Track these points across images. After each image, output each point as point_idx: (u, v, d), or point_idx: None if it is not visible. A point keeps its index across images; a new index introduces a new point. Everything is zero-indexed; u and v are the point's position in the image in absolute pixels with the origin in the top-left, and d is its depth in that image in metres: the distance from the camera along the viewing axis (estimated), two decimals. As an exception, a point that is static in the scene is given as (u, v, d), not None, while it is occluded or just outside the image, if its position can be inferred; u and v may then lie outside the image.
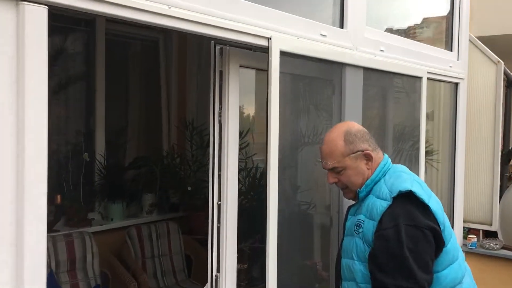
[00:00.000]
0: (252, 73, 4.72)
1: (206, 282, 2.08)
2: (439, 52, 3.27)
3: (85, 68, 4.55)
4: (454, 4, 3.46)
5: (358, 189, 1.84)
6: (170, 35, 5.06)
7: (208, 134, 4.62)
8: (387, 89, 2.74)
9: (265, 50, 1.88)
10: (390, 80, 2.73)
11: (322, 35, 2.15)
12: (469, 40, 3.48)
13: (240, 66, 1.96)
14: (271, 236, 1.91)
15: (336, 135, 1.86)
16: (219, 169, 1.99)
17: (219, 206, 2.02)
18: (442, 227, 1.71)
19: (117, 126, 4.84)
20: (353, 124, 1.94)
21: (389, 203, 1.70)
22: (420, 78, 2.94)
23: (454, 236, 1.81)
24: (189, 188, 4.45)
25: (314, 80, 2.30)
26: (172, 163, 4.81)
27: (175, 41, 5.09)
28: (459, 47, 3.47)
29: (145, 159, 4.83)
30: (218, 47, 1.92)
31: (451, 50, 3.46)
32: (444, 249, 1.72)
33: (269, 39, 1.87)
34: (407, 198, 1.70)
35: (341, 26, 2.33)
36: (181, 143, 5.04)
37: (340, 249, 1.94)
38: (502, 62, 3.34)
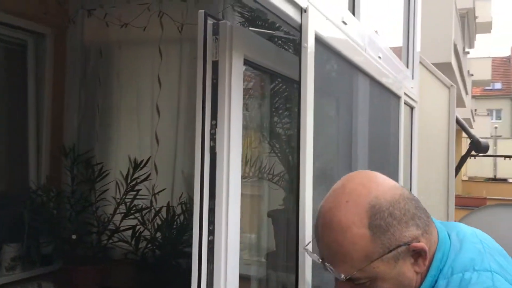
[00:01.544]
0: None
1: None
2: (406, 70, 2.81)
3: None
4: (409, 27, 3.07)
5: None
6: (43, 37, 3.95)
7: (95, 164, 3.76)
8: (380, 105, 2.14)
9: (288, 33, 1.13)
10: (382, 95, 2.13)
11: (343, 22, 1.45)
12: (422, 64, 3.10)
13: (245, 59, 1.17)
14: None
15: (351, 216, 1.00)
16: (211, 233, 1.15)
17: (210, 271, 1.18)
18: None
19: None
20: (383, 187, 1.05)
21: None
22: (399, 97, 2.41)
23: None
24: (73, 237, 3.36)
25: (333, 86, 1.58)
26: (46, 201, 3.67)
27: (50, 44, 3.99)
28: (413, 66, 3.07)
29: (6, 197, 3.62)
30: (210, 22, 1.12)
31: (407, 68, 3.05)
32: None
33: (303, 10, 1.11)
34: None
35: (353, 14, 1.67)
36: (57, 176, 3.91)
37: None
38: (455, 86, 3.03)
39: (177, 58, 3.79)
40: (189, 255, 3.52)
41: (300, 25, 1.11)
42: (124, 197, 3.59)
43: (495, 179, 20.09)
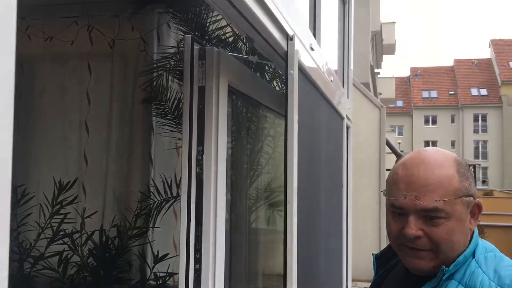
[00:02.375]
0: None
1: None
2: (344, 93, 2.91)
3: None
4: (344, 46, 3.20)
5: (444, 268, 1.12)
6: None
7: (17, 186, 3.48)
8: (331, 126, 2.20)
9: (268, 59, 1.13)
10: (333, 117, 2.19)
11: (311, 48, 1.48)
12: (354, 85, 3.24)
13: (229, 86, 1.14)
14: None
15: (444, 160, 1.17)
16: (197, 271, 1.10)
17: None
18: None
19: None
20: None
21: None
22: (342, 118, 2.50)
23: None
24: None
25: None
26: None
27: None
28: (348, 89, 3.20)
29: None
30: (197, 47, 1.09)
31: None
32: None
33: (289, 38, 1.12)
34: None
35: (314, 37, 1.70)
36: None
37: None
38: (385, 106, 3.20)
39: (108, 74, 3.64)
40: (124, 281, 3.36)
41: (286, 53, 1.12)
42: (49, 220, 3.36)
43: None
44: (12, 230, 3.37)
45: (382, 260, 1.41)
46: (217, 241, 1.12)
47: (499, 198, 17.98)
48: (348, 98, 3.18)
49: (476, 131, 49.39)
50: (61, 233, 3.33)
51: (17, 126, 3.71)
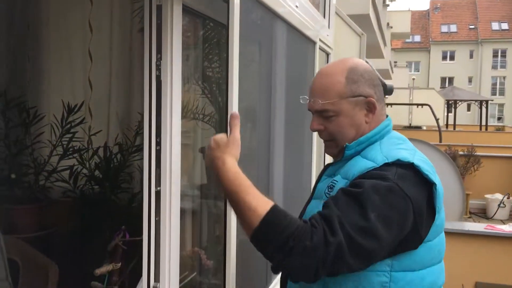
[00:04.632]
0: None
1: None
2: (323, 20, 3.13)
3: None
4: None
5: (347, 144, 1.44)
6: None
7: (29, 108, 3.84)
8: (296, 50, 2.46)
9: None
10: (298, 43, 2.45)
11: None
12: (338, 14, 3.44)
13: (184, 5, 1.42)
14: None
15: (337, 69, 1.44)
16: (158, 144, 1.44)
17: (157, 193, 1.47)
18: (436, 216, 1.39)
19: None
20: (362, 62, 1.51)
21: (375, 166, 1.34)
22: (314, 43, 2.74)
23: (443, 236, 1.48)
24: (13, 176, 3.50)
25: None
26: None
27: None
28: (329, 17, 3.40)
29: None
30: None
31: (324, 18, 3.37)
32: (429, 243, 1.39)
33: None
34: (403, 171, 1.33)
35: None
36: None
37: (302, 214, 1.54)
38: (365, 34, 3.41)
39: (108, 3, 3.88)
40: (126, 190, 3.75)
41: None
42: (60, 139, 3.74)
43: (410, 127, 21.57)
44: (27, 147, 3.76)
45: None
46: (173, 159, 1.45)
47: (508, 133, 18.10)
48: (329, 27, 3.39)
49: (494, 67, 48.45)
50: (71, 149, 3.72)
51: (27, 55, 4.02)
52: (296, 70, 2.46)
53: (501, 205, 7.78)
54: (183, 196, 1.77)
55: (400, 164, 1.34)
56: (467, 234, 3.29)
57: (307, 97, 1.47)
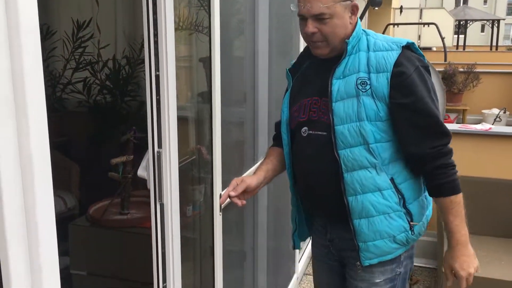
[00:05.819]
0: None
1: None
2: None
3: None
4: None
5: (346, 40, 1.68)
6: None
7: (41, 25, 4.10)
8: None
9: None
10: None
11: None
12: None
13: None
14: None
15: None
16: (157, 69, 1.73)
17: (157, 101, 1.71)
18: None
19: None
20: None
21: (399, 51, 1.66)
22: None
23: None
24: None
25: None
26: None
27: None
28: None
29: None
30: None
31: None
32: None
33: None
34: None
35: None
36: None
37: (328, 113, 1.72)
38: None
39: None
40: (134, 98, 4.08)
41: None
42: (72, 54, 4.05)
43: (419, 48, 21.32)
44: (43, 61, 4.08)
45: (294, 69, 1.92)
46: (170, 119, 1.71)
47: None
48: None
49: (511, -15, 46.51)
50: (83, 62, 4.04)
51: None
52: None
53: (497, 119, 8.00)
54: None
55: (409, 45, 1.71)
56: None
57: (303, 5, 1.66)
